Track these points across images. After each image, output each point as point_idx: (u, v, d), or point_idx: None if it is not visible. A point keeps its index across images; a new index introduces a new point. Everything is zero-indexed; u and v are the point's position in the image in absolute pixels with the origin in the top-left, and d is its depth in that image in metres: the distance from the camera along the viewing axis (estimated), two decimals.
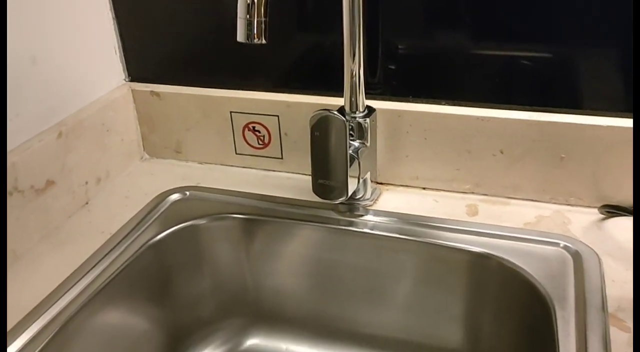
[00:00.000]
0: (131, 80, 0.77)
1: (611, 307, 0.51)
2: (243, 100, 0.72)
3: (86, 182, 0.69)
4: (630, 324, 0.49)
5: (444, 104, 0.66)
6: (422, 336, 0.66)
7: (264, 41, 0.48)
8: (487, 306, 0.61)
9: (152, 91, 0.75)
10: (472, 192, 0.69)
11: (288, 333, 0.71)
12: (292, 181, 0.73)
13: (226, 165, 0.77)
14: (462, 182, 0.68)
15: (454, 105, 0.66)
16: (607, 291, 0.53)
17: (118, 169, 0.75)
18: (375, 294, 0.66)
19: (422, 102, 0.67)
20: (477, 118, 0.64)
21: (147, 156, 0.80)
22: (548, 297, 0.52)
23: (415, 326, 0.66)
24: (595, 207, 0.64)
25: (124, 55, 0.76)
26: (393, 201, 0.68)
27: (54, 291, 0.56)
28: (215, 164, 0.78)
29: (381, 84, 0.68)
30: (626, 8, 0.57)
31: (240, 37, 0.47)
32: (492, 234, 0.61)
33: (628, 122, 0.60)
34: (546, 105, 0.63)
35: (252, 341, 0.72)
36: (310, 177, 0.63)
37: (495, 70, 0.64)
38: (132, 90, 0.76)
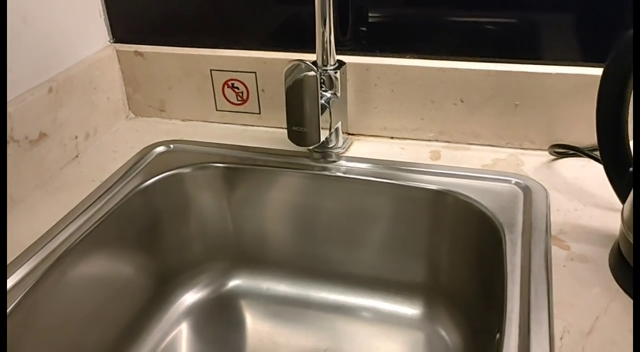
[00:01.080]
0: (115, 42, 0.81)
1: (554, 230, 0.57)
2: (222, 58, 0.76)
3: (76, 137, 0.74)
4: (570, 243, 0.56)
5: (409, 58, 0.71)
6: (391, 272, 0.72)
7: None
8: (446, 238, 0.67)
9: (135, 51, 0.79)
10: (436, 140, 0.74)
11: (268, 274, 0.77)
12: (269, 134, 0.78)
13: (207, 121, 0.82)
14: (426, 130, 0.74)
15: (418, 58, 0.71)
16: (551, 218, 0.59)
17: (105, 126, 0.80)
18: (348, 234, 0.72)
19: (389, 56, 0.72)
20: (439, 69, 0.70)
21: (132, 115, 0.85)
22: (499, 224, 0.58)
23: (385, 262, 0.72)
24: (546, 149, 0.70)
25: (108, 18, 0.80)
26: (363, 149, 0.74)
27: (49, 229, 0.61)
28: (197, 121, 0.83)
29: (351, 42, 0.73)
30: None
31: None
32: (451, 174, 0.67)
33: (577, 70, 0.66)
34: (502, 57, 0.69)
35: (234, 282, 0.77)
36: (286, 131, 0.67)
37: (457, 30, 0.69)
38: (117, 51, 0.80)
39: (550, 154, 0.69)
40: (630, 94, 0.51)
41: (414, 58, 0.71)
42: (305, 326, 0.72)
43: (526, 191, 0.63)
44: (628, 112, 0.52)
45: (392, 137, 0.76)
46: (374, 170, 0.69)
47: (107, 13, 0.80)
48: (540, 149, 0.71)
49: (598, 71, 0.65)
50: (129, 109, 0.84)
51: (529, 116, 0.69)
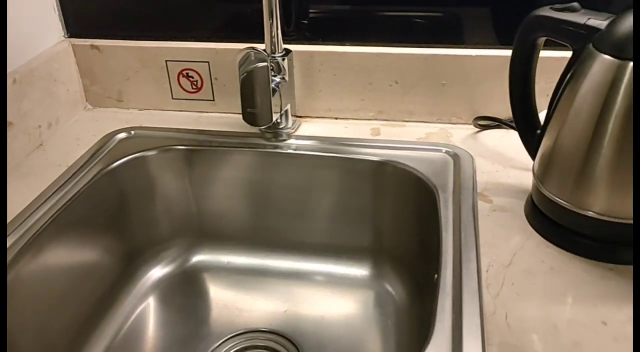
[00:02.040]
0: (70, 36, 0.85)
1: (479, 188, 0.67)
2: (177, 49, 0.82)
3: (39, 126, 0.78)
4: (492, 198, 0.65)
5: (348, 45, 0.79)
6: (341, 238, 0.80)
7: None
8: (388, 203, 0.75)
9: (92, 45, 0.84)
10: (376, 119, 0.83)
11: (228, 248, 0.83)
12: (223, 119, 0.85)
13: (164, 110, 0.88)
14: (366, 110, 0.82)
15: (357, 45, 0.79)
16: (477, 179, 0.68)
17: (66, 117, 0.84)
18: (300, 206, 0.79)
19: (330, 44, 0.80)
20: (376, 54, 0.78)
21: (89, 106, 0.89)
22: (433, 186, 0.67)
23: (334, 230, 0.80)
24: (471, 123, 0.80)
25: (62, 13, 0.84)
26: (311, 129, 0.81)
27: (21, 212, 0.65)
28: (155, 109, 0.88)
29: (295, 32, 0.81)
30: None
31: None
32: (390, 146, 0.75)
33: (494, 52, 0.76)
34: (430, 43, 0.78)
35: (197, 258, 0.83)
36: (239, 115, 0.74)
37: (389, 21, 0.78)
38: (72, 45, 0.84)
39: (475, 126, 0.79)
40: (535, 68, 0.61)
41: (353, 45, 0.79)
42: (265, 292, 0.79)
43: (455, 158, 0.72)
44: (534, 83, 0.62)
45: (336, 118, 0.84)
46: (321, 146, 0.76)
47: (61, 8, 0.84)
48: (466, 124, 0.80)
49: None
50: (87, 100, 0.88)
51: (455, 94, 0.79)
